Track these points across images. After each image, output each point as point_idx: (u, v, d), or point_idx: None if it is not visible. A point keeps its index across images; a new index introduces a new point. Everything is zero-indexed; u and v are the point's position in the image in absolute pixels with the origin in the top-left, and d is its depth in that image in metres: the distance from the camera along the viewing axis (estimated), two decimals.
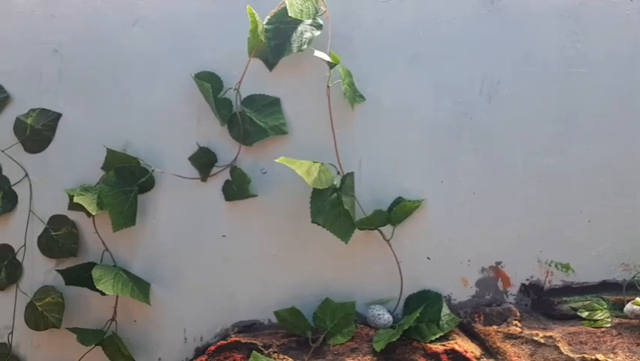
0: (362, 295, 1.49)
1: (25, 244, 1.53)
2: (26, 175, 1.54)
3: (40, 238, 1.53)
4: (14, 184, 1.54)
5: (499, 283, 1.50)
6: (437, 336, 1.39)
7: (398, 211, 1.44)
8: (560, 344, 1.36)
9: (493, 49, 1.50)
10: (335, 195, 1.40)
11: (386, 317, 1.43)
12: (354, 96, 1.47)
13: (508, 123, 1.50)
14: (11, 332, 1.52)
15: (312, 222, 1.39)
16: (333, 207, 1.39)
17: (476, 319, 1.44)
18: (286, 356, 1.38)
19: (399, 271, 1.48)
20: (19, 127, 1.54)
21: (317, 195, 1.38)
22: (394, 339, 1.36)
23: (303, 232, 1.48)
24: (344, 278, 1.50)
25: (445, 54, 1.50)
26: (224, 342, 1.43)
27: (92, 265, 1.47)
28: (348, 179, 1.41)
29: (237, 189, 1.50)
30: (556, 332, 1.39)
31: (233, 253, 1.51)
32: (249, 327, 1.50)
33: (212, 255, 1.51)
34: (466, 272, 1.50)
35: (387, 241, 1.47)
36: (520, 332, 1.39)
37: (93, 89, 1.54)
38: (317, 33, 1.45)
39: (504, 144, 1.50)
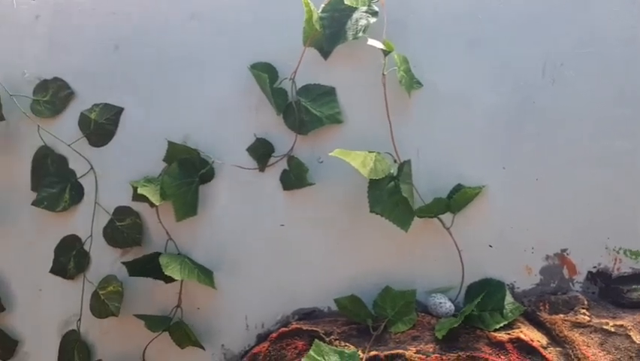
0: (422, 284, 1.43)
1: (91, 235, 1.53)
2: (91, 168, 1.54)
3: (105, 228, 1.53)
4: (80, 177, 1.55)
5: (565, 271, 1.42)
6: (501, 325, 1.32)
7: (458, 198, 1.38)
8: (631, 333, 1.27)
9: (554, 29, 1.41)
10: (392, 183, 1.34)
11: (447, 305, 1.37)
12: (411, 83, 1.41)
13: (573, 106, 1.41)
14: (79, 320, 1.53)
15: (371, 211, 1.33)
16: (390, 196, 1.33)
17: (541, 307, 1.36)
18: (348, 343, 1.34)
19: (460, 259, 1.41)
20: (84, 122, 1.54)
21: (374, 184, 1.32)
22: (456, 325, 1.30)
23: (362, 221, 1.43)
24: (403, 267, 1.44)
25: (504, 37, 1.42)
26: (286, 329, 1.40)
27: (155, 256, 1.46)
28: (405, 167, 1.35)
29: (295, 178, 1.46)
30: (627, 320, 1.30)
31: (292, 242, 1.48)
32: (308, 315, 1.47)
33: (271, 244, 1.49)
34: (529, 260, 1.42)
35: (448, 228, 1.41)
36: (589, 321, 1.31)
37: (153, 83, 1.53)
38: (372, 20, 1.39)
39: (568, 127, 1.41)
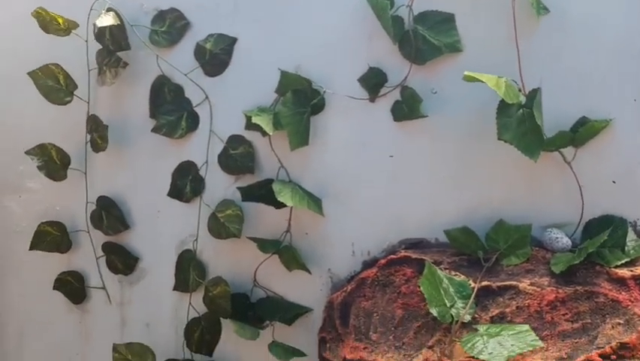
0: (537, 219, 1.29)
1: (207, 161, 1.46)
2: (206, 97, 1.46)
3: (220, 155, 1.46)
4: (196, 106, 1.47)
5: None
6: (622, 262, 1.17)
7: (584, 132, 1.21)
8: None
9: None
10: (521, 111, 1.18)
11: (565, 241, 1.22)
12: (539, 8, 1.21)
13: None
14: (196, 240, 1.47)
15: (499, 139, 1.19)
16: (519, 124, 1.18)
17: None
18: (458, 273, 1.21)
19: (580, 194, 1.25)
20: (199, 52, 1.45)
21: (503, 111, 1.18)
22: (577, 262, 1.15)
23: (474, 154, 1.30)
24: (518, 201, 1.31)
25: None
26: (394, 256, 1.30)
27: (268, 182, 1.39)
28: (536, 94, 1.18)
29: (407, 109, 1.33)
30: None
31: (401, 173, 1.37)
32: (416, 245, 1.36)
33: (380, 174, 1.38)
34: None
35: (569, 163, 1.24)
36: None
37: (266, 13, 1.42)
38: None
39: None
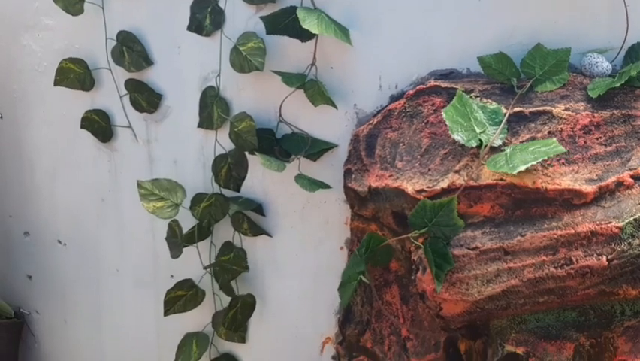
0: (577, 45, 1.21)
1: None
2: None
3: None
4: None
5: None
6: None
7: None
8: None
9: None
10: None
11: (605, 65, 1.17)
12: None
13: None
14: (218, 75, 1.44)
15: None
16: None
17: None
18: (489, 100, 1.18)
19: (625, 15, 1.16)
20: None
21: None
22: (616, 85, 1.10)
23: None
24: (556, 25, 1.22)
25: None
26: (423, 87, 1.26)
27: (292, 9, 1.32)
28: None
29: None
30: None
31: (430, 1, 1.27)
32: (446, 76, 1.31)
33: (409, 2, 1.28)
34: None
35: None
36: None
37: None
38: None
39: None
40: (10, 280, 1.86)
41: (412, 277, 1.19)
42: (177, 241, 1.50)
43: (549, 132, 1.14)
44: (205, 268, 1.52)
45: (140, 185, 1.49)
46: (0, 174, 1.79)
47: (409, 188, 1.19)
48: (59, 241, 1.76)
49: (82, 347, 1.83)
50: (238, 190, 1.52)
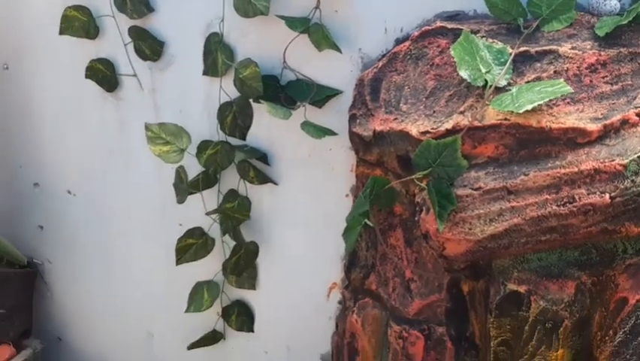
0: None
1: None
2: None
3: None
4: None
5: None
6: None
7: None
8: None
9: None
10: None
11: (613, 3, 1.15)
12: None
13: None
14: (222, 21, 1.43)
15: None
16: None
17: None
18: (495, 40, 1.17)
19: None
20: None
21: None
22: (624, 22, 1.09)
23: None
24: None
25: None
26: (429, 28, 1.25)
27: None
28: None
29: None
30: None
31: None
32: (452, 17, 1.29)
33: None
34: None
35: None
36: None
37: None
38: None
39: None
40: (22, 230, 1.90)
41: (416, 218, 1.20)
42: (184, 186, 1.53)
43: (555, 72, 1.13)
44: (207, 213, 1.54)
45: (147, 127, 1.50)
46: (8, 125, 1.81)
47: (414, 130, 1.19)
48: (69, 192, 1.79)
49: (94, 295, 1.88)
50: (244, 138, 1.53)
